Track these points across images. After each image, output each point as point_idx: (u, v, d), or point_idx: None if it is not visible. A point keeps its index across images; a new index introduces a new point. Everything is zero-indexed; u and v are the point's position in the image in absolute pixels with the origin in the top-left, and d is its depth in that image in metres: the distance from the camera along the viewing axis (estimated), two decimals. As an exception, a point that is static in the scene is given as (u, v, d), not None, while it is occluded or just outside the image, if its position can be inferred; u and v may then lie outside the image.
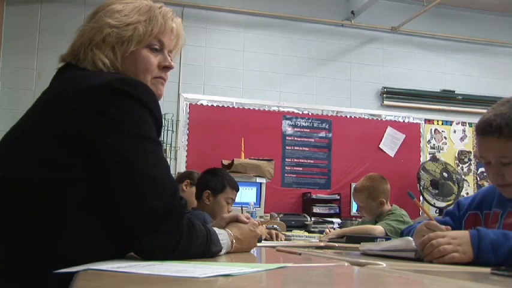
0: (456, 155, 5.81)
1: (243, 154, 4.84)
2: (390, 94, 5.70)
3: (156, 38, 1.23)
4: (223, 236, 1.22)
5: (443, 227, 1.48)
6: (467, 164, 5.82)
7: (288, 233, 3.23)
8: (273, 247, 1.92)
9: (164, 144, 4.72)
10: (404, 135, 5.65)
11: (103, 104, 1.03)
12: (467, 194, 5.45)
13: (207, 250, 1.11)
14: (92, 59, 1.17)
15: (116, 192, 1.01)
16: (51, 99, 1.11)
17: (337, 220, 4.84)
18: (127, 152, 1.01)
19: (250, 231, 1.35)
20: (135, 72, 1.20)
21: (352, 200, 5.15)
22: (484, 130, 1.49)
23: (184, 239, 1.03)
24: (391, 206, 3.10)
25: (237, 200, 2.98)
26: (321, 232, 3.55)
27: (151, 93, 1.11)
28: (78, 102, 1.03)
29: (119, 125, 1.02)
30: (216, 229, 1.21)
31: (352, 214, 5.14)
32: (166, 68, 1.28)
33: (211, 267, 0.89)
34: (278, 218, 4.33)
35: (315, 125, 5.47)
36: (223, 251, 1.19)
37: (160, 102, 1.15)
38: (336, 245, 2.16)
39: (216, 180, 2.70)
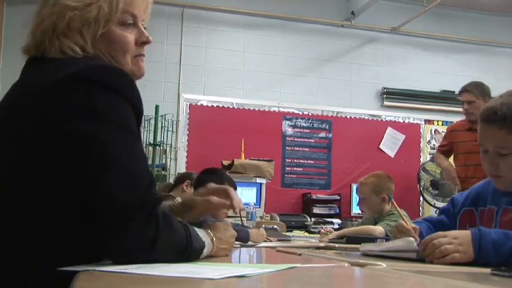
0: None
1: (243, 154, 4.85)
2: (390, 94, 5.70)
3: (125, 12, 1.12)
4: (202, 233, 1.13)
5: (412, 226, 1.52)
6: (467, 165, 5.81)
7: (288, 234, 3.24)
8: (273, 247, 1.92)
9: (164, 145, 4.72)
10: (404, 136, 5.64)
11: (73, 95, 0.96)
12: (467, 194, 5.44)
13: (189, 246, 1.02)
14: (60, 47, 1.07)
15: (87, 185, 0.92)
16: (19, 98, 1.04)
17: (337, 221, 4.84)
18: (99, 141, 0.93)
19: (225, 230, 1.27)
20: (113, 54, 1.11)
21: (353, 200, 5.16)
22: (488, 117, 1.48)
23: (161, 233, 0.93)
24: (392, 206, 3.10)
25: (237, 200, 2.99)
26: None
27: (127, 79, 1.03)
28: (47, 98, 0.96)
29: (91, 114, 0.94)
30: (192, 227, 1.11)
31: (352, 214, 5.14)
32: (144, 43, 1.17)
33: (220, 268, 0.89)
34: (278, 218, 4.34)
35: (315, 125, 5.47)
36: (206, 249, 1.10)
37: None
38: (336, 245, 2.16)
39: (215, 178, 2.73)
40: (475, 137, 4.30)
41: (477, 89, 3.87)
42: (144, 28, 1.18)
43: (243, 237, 2.20)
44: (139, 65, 1.17)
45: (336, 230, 3.30)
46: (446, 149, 4.20)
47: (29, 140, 0.97)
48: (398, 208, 1.81)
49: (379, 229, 2.82)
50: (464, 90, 3.94)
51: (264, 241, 2.42)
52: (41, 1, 1.14)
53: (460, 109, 5.74)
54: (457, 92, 5.79)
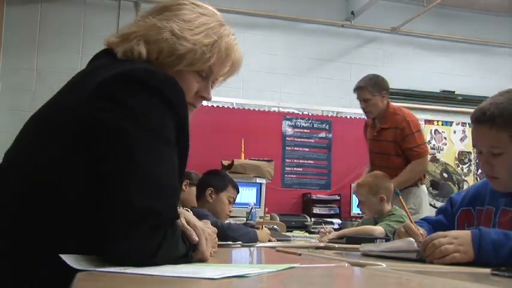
0: (456, 156, 5.81)
1: (243, 155, 4.84)
2: (390, 94, 5.66)
3: (209, 67, 1.17)
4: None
5: (420, 231, 1.49)
6: (467, 165, 5.82)
7: (288, 234, 3.24)
8: (273, 247, 1.92)
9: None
10: (404, 136, 5.64)
11: (118, 92, 0.96)
12: (467, 194, 5.44)
13: (187, 262, 1.00)
14: (132, 47, 1.09)
15: (104, 182, 0.91)
16: (72, 86, 1.07)
17: (337, 221, 4.84)
18: (128, 140, 0.92)
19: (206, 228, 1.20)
20: None
21: (352, 200, 5.15)
22: (477, 118, 1.49)
23: (163, 247, 0.90)
24: (392, 207, 3.10)
25: (237, 200, 3.00)
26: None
27: (178, 91, 1.03)
28: (95, 90, 0.97)
29: (129, 113, 0.94)
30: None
31: (352, 215, 5.13)
32: (203, 98, 1.22)
33: (220, 268, 0.89)
34: (278, 218, 4.33)
35: (315, 125, 5.47)
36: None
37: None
38: (336, 245, 2.16)
39: (219, 179, 2.75)
40: (372, 135, 3.96)
41: (371, 85, 3.52)
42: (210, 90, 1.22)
43: (252, 238, 2.21)
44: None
45: (335, 230, 3.30)
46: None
47: (63, 131, 0.98)
48: (405, 205, 1.80)
49: (379, 229, 2.82)
50: (358, 87, 3.55)
51: (269, 240, 2.43)
52: (156, 8, 1.17)
53: (460, 109, 5.80)
54: (457, 92, 5.85)
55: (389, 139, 3.54)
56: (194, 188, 3.17)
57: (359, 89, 3.55)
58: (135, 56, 1.09)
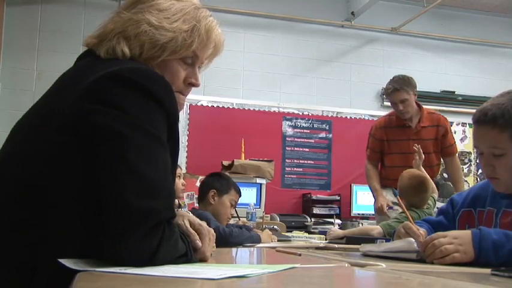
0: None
1: (243, 155, 4.84)
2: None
3: (192, 51, 1.16)
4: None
5: (420, 231, 1.49)
6: (467, 165, 5.81)
7: (288, 234, 3.24)
8: (273, 248, 1.92)
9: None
10: (404, 136, 5.64)
11: (107, 93, 0.96)
12: (467, 194, 5.44)
13: (187, 262, 1.00)
14: (113, 46, 1.08)
15: (101, 183, 0.92)
16: (60, 89, 1.07)
17: (337, 221, 4.84)
18: (121, 140, 0.92)
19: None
20: None
21: (352, 200, 5.17)
22: (479, 119, 1.49)
23: (163, 247, 0.91)
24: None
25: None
26: (322, 233, 3.55)
27: (166, 86, 1.03)
28: (83, 93, 0.97)
29: (119, 114, 0.94)
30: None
31: (352, 215, 5.14)
32: (191, 85, 1.21)
33: (220, 268, 0.89)
34: (278, 218, 4.34)
35: (315, 125, 5.47)
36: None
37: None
38: (336, 246, 2.16)
39: (222, 182, 2.77)
40: (405, 135, 3.97)
41: (408, 85, 3.60)
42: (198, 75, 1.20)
43: (255, 241, 2.22)
44: (179, 102, 1.16)
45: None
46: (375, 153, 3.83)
47: (58, 132, 0.97)
48: (405, 208, 1.80)
49: (377, 229, 2.83)
50: (396, 89, 3.61)
51: (272, 241, 2.43)
52: (129, 2, 1.16)
53: (460, 109, 5.79)
54: (457, 92, 5.84)
55: (430, 137, 3.70)
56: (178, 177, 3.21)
57: (396, 91, 3.62)
58: (118, 55, 1.08)
